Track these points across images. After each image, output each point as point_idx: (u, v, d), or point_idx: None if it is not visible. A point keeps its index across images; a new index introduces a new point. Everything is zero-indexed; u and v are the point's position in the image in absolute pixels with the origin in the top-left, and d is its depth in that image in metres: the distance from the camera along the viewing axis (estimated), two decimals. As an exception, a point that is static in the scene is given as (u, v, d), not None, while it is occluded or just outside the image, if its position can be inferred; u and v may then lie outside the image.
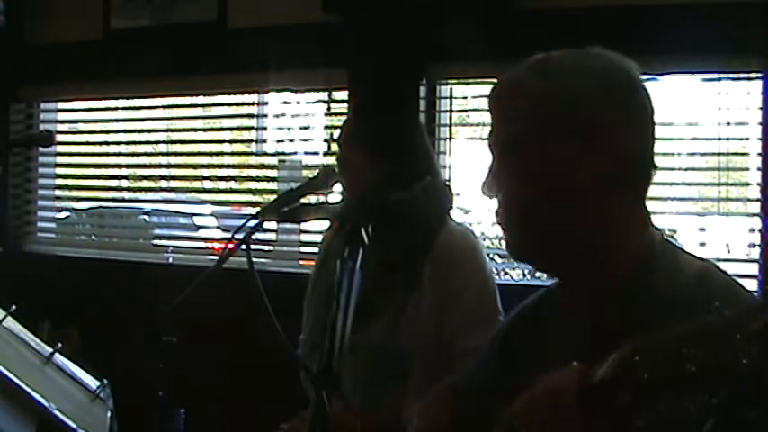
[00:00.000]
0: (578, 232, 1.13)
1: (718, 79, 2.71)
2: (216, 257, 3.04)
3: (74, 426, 1.51)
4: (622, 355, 0.81)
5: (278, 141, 3.65)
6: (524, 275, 3.09)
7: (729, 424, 0.75)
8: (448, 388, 1.40)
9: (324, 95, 3.47)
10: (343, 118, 2.24)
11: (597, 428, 0.85)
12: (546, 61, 1.17)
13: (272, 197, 2.70)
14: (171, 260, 3.66)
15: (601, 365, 0.84)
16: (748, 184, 2.80)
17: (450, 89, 3.14)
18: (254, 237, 1.45)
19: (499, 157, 1.19)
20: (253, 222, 1.48)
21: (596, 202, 1.12)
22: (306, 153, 3.54)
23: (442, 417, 1.32)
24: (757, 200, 2.67)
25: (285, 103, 3.55)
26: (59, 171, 4.08)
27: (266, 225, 1.98)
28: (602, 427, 0.85)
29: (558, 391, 0.88)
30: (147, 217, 4.45)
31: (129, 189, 4.22)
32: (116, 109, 4.08)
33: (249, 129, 3.89)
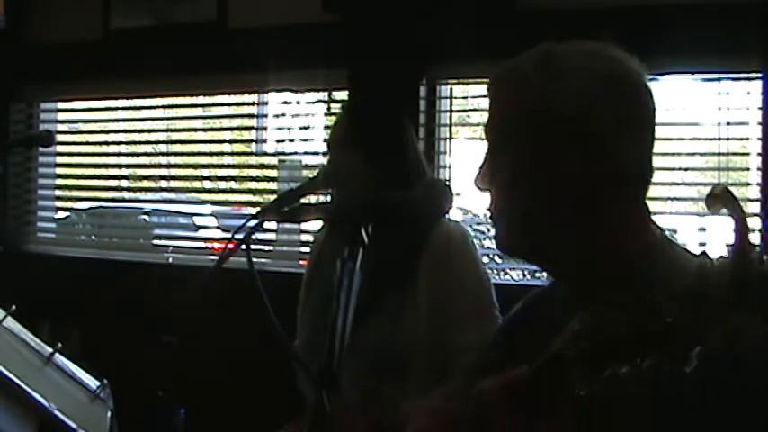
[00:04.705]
0: (571, 235, 1.13)
1: (718, 79, 2.72)
2: (216, 257, 3.04)
3: (74, 426, 1.51)
4: (569, 328, 0.82)
5: (278, 141, 3.65)
6: (524, 275, 3.09)
7: (663, 384, 0.78)
8: (455, 387, 1.39)
9: (324, 95, 3.47)
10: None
11: (546, 406, 0.85)
12: (552, 57, 1.15)
13: (272, 197, 2.70)
14: (171, 260, 3.66)
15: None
16: (748, 184, 2.80)
17: (450, 89, 3.14)
18: (254, 237, 1.44)
19: (493, 148, 1.17)
20: (253, 222, 1.48)
21: (591, 206, 1.12)
22: (306, 153, 3.54)
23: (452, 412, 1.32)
24: (757, 200, 2.67)
25: (285, 103, 3.55)
26: (59, 171, 4.08)
27: (266, 225, 1.98)
28: (551, 402, 0.85)
29: (480, 393, 0.89)
30: (147, 217, 4.45)
31: (129, 189, 4.22)
32: (116, 109, 4.09)
33: (249, 129, 3.90)
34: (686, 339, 0.75)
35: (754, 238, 2.65)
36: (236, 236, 1.46)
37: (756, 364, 0.95)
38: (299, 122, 3.51)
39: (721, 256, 0.76)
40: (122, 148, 4.20)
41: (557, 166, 1.11)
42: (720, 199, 0.78)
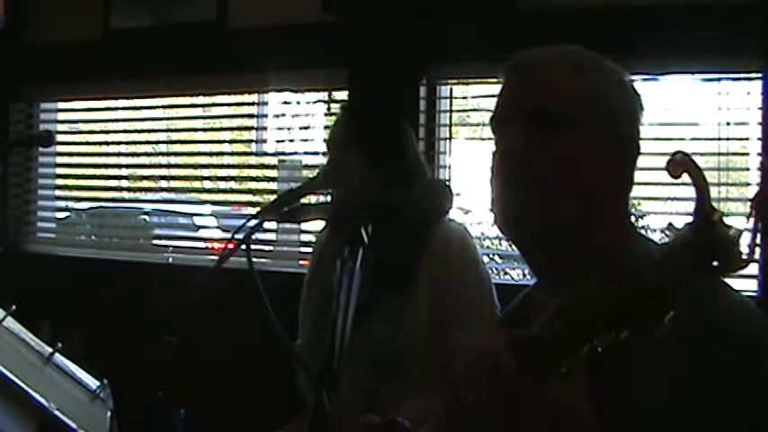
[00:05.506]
0: (587, 226, 1.13)
1: (718, 79, 2.71)
2: (216, 257, 3.05)
3: (74, 426, 1.51)
4: (547, 311, 0.84)
5: (278, 141, 3.65)
6: (524, 275, 3.09)
7: (622, 352, 0.79)
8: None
9: (324, 95, 3.47)
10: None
11: (528, 383, 0.86)
12: (577, 54, 1.16)
13: (272, 197, 2.70)
14: (171, 260, 3.66)
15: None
16: (748, 184, 2.79)
17: (450, 89, 3.14)
18: (254, 237, 1.44)
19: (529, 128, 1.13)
20: (253, 222, 1.48)
21: (602, 203, 1.13)
22: (306, 153, 3.54)
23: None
24: (757, 200, 2.67)
25: (285, 103, 3.55)
26: (59, 171, 4.08)
27: (266, 225, 1.98)
28: (532, 382, 0.86)
29: (491, 351, 0.89)
30: (147, 217, 4.45)
31: (129, 189, 4.22)
32: (116, 109, 4.09)
33: (249, 129, 3.90)
34: (658, 307, 0.77)
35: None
36: (236, 236, 1.46)
37: (723, 333, 0.96)
38: (299, 122, 3.51)
39: (687, 224, 0.77)
40: (122, 148, 4.20)
41: (586, 160, 1.12)
42: (681, 164, 0.79)
